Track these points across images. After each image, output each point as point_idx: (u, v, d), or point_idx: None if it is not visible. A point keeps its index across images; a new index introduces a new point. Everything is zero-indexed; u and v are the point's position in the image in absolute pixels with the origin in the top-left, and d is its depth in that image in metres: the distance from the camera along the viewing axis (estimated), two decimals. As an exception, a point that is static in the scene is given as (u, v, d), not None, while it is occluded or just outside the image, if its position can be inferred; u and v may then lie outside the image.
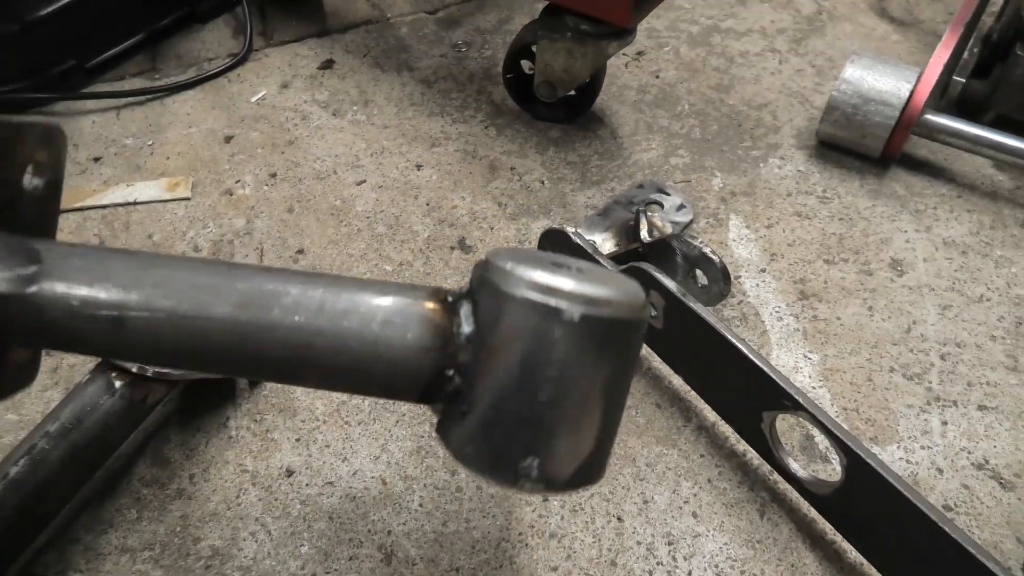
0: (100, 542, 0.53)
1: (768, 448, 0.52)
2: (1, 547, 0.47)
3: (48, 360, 0.64)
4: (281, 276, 0.30)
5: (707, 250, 0.57)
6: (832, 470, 0.55)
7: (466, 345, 0.29)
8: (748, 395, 0.51)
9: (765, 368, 0.48)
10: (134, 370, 0.50)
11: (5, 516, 0.47)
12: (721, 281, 0.57)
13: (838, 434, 0.45)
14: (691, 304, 0.52)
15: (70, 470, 0.50)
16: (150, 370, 0.51)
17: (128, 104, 0.89)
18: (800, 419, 0.57)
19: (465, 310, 0.30)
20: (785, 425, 0.57)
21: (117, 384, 0.52)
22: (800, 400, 0.47)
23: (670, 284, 0.54)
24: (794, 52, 0.91)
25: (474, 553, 0.51)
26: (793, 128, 0.81)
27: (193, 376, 0.54)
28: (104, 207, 0.76)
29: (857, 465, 0.45)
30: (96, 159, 0.82)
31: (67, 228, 0.75)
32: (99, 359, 0.54)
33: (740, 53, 0.91)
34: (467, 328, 0.29)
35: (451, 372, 0.29)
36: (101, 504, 0.55)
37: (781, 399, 0.48)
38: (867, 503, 0.46)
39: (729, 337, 0.50)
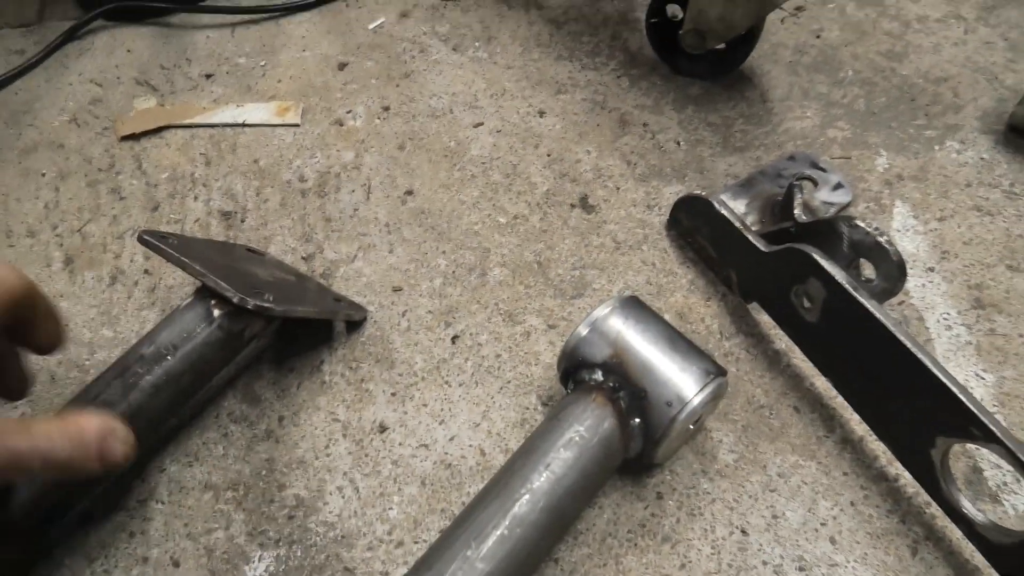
0: (184, 475, 0.51)
1: (934, 479, 0.44)
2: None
3: (146, 279, 0.62)
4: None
5: (882, 239, 0.48)
6: (1004, 513, 0.47)
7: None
8: (920, 415, 0.43)
9: (954, 388, 0.40)
10: (235, 300, 0.47)
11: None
12: (895, 278, 0.48)
13: (1043, 479, 0.37)
14: (863, 299, 0.44)
15: (163, 397, 0.48)
16: (251, 302, 0.47)
17: (243, 22, 0.85)
18: (981, 451, 0.49)
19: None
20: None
21: (216, 313, 0.49)
22: (996, 431, 0.39)
23: (838, 274, 0.46)
24: (983, 22, 0.78)
25: (576, 546, 0.46)
26: (977, 109, 0.70)
27: (294, 313, 0.50)
28: (213, 126, 0.74)
29: (1062, 519, 0.37)
30: (208, 76, 0.79)
31: (174, 144, 0.72)
32: (198, 283, 0.51)
33: (918, 17, 0.79)
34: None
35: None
36: (188, 435, 0.53)
37: (969, 426, 0.40)
38: (1064, 565, 0.38)
39: (910, 346, 0.42)
